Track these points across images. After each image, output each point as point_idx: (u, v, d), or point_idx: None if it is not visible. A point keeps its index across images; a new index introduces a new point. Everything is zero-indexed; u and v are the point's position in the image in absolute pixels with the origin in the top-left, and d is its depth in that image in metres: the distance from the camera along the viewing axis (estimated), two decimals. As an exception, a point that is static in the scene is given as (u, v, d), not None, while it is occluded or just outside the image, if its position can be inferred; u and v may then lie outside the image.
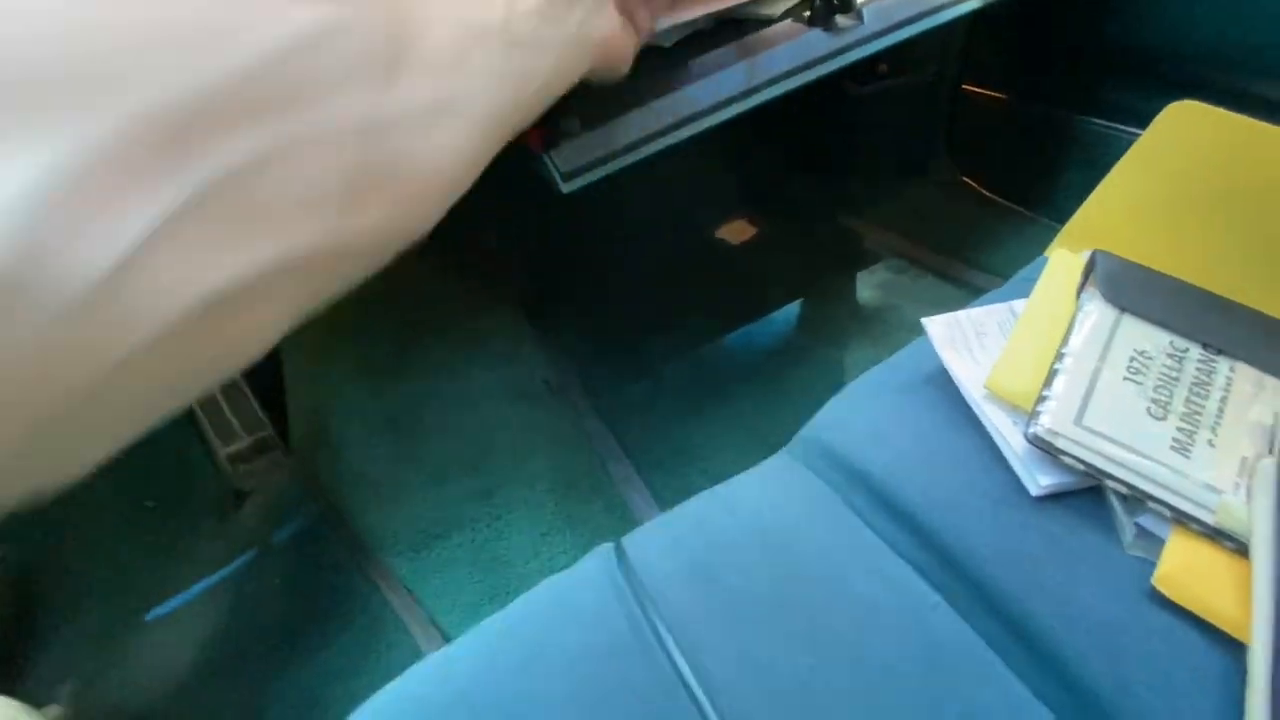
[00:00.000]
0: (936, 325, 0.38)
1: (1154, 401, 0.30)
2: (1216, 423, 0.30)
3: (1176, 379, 0.31)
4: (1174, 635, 0.27)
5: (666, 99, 0.51)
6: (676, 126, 0.51)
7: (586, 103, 0.49)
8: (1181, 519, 0.28)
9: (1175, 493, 0.28)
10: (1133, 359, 0.32)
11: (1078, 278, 0.38)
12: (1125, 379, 0.31)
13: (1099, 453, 0.29)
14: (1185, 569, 0.28)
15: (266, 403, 0.79)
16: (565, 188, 0.48)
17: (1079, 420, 0.30)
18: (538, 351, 0.81)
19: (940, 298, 0.82)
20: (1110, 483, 0.29)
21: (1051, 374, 0.31)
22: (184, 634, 0.68)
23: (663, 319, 0.85)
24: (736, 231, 1.02)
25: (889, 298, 0.80)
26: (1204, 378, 0.31)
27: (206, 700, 0.58)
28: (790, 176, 0.98)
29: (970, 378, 0.35)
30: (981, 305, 0.40)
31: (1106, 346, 0.32)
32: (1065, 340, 0.32)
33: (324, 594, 0.68)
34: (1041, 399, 0.31)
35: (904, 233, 0.87)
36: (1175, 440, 0.29)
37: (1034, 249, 0.44)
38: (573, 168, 0.48)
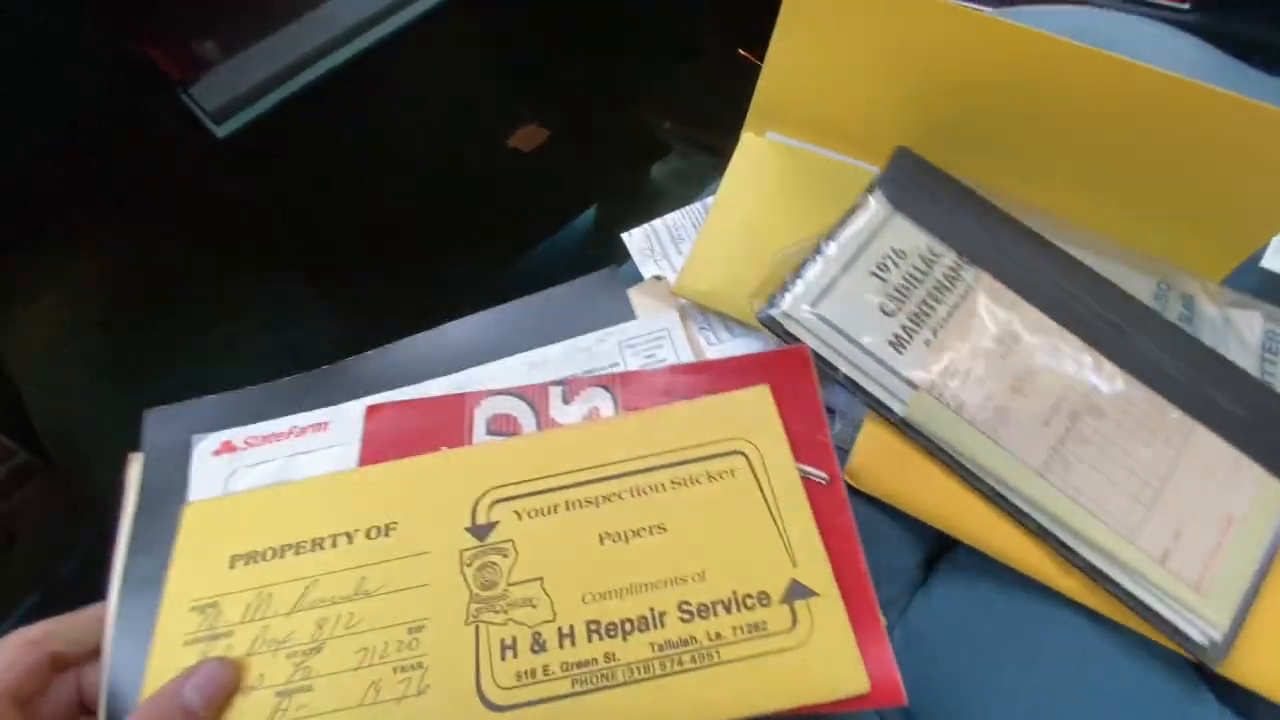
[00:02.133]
0: (634, 238, 0.36)
1: (889, 298, 0.32)
2: (942, 325, 0.32)
3: (920, 281, 0.32)
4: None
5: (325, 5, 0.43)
6: (348, 38, 0.44)
7: (223, 19, 0.41)
8: (876, 408, 0.30)
9: (876, 382, 0.30)
10: (886, 257, 0.32)
11: (766, 162, 0.36)
12: (872, 274, 0.32)
13: (820, 339, 0.30)
14: (873, 460, 0.30)
15: (7, 427, 0.69)
16: (220, 131, 0.40)
17: (814, 306, 0.31)
18: (320, 315, 0.74)
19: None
20: (824, 368, 0.30)
21: (805, 263, 0.32)
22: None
23: (462, 249, 0.80)
24: (529, 138, 0.96)
25: (682, 186, 0.78)
26: (946, 284, 0.32)
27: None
28: (568, 71, 0.92)
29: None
30: (680, 209, 0.38)
31: (867, 242, 0.32)
32: (837, 229, 0.32)
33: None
34: (786, 286, 0.31)
35: (688, 117, 0.84)
36: (895, 336, 0.31)
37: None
38: (223, 103, 0.41)
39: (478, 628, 0.23)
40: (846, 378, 0.30)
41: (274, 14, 0.43)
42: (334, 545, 0.26)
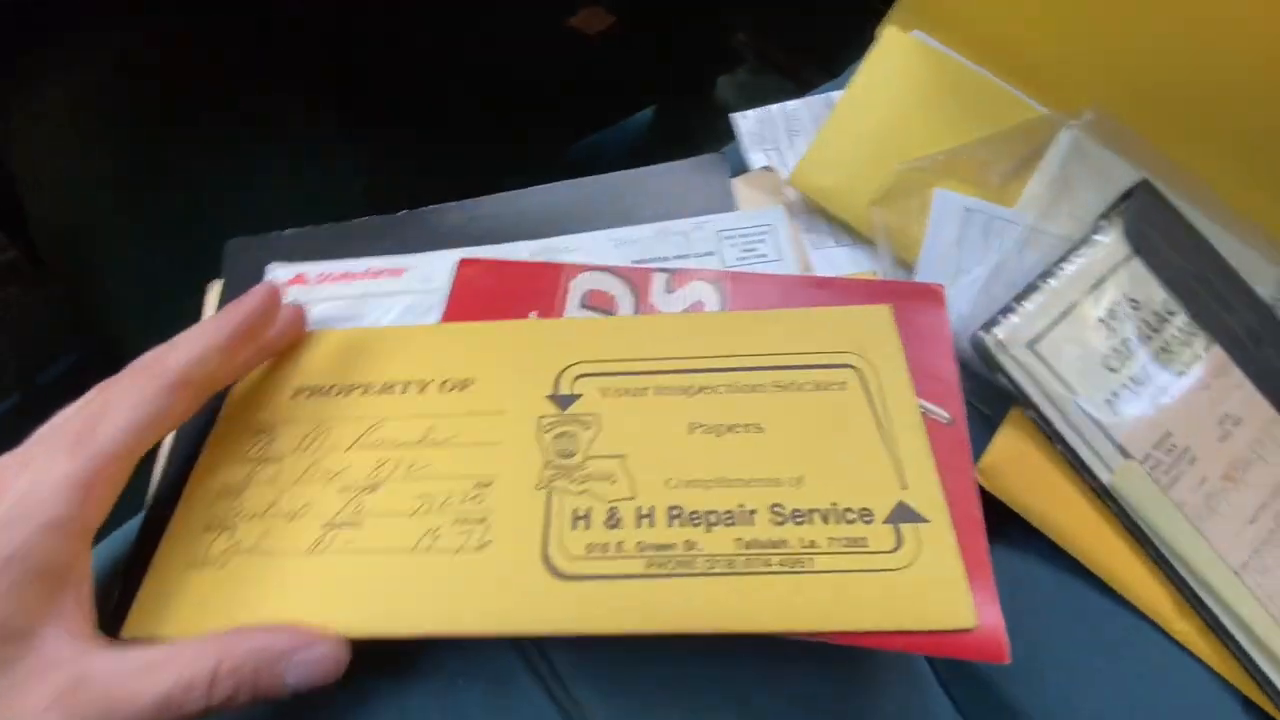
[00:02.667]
0: (747, 120, 0.34)
1: (1115, 352, 0.28)
2: (1164, 393, 0.28)
3: (1149, 339, 0.29)
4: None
5: None
6: None
7: None
8: (1077, 468, 0.27)
9: (1085, 442, 0.27)
10: (1118, 304, 0.29)
11: (909, 63, 0.33)
12: (1100, 320, 0.29)
13: (1034, 380, 0.28)
14: (1010, 464, 0.27)
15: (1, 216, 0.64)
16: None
17: (1033, 343, 0.28)
18: (349, 156, 0.69)
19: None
20: (1032, 413, 0.28)
21: (1030, 289, 0.29)
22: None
23: (506, 127, 0.75)
24: (592, 19, 0.89)
25: (748, 103, 0.73)
26: (1174, 348, 0.29)
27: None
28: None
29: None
30: (800, 99, 0.35)
31: (1100, 282, 0.29)
32: (1066, 258, 0.29)
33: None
34: (1008, 308, 0.29)
35: (765, 32, 0.79)
36: (1114, 394, 0.28)
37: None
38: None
39: (550, 494, 0.22)
40: (1052, 428, 0.27)
41: None
42: (404, 391, 0.25)
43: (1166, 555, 0.27)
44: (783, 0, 0.80)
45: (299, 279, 0.31)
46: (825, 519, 0.21)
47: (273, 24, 0.66)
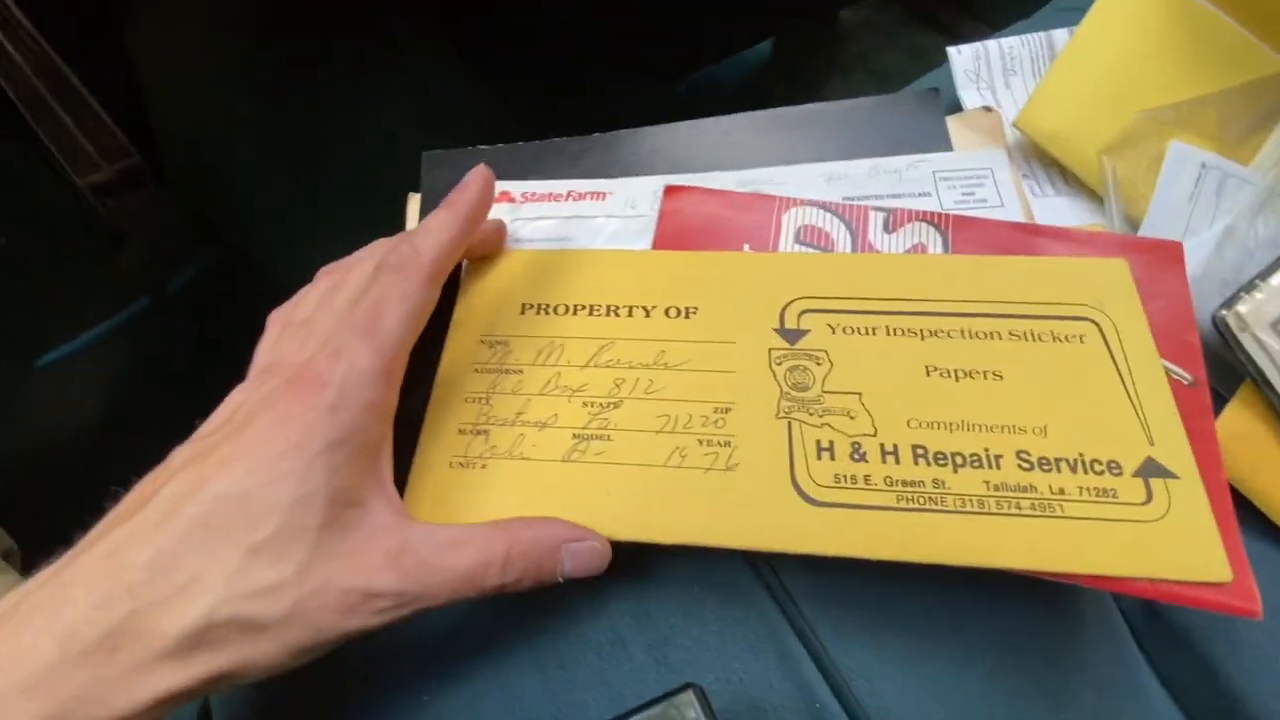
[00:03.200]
0: (962, 56, 0.32)
1: None
2: None
3: None
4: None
5: None
6: None
7: None
8: None
9: None
10: None
11: (1148, 3, 0.31)
12: None
13: (1276, 362, 0.26)
14: (1238, 442, 0.26)
15: (126, 124, 0.65)
16: None
17: (1277, 325, 0.26)
18: (462, 80, 0.68)
19: (924, 47, 0.73)
20: (1269, 394, 0.26)
21: (1276, 265, 0.27)
22: (81, 383, 0.63)
23: (616, 54, 0.72)
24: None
25: (868, 44, 0.70)
26: None
27: (107, 450, 0.54)
28: None
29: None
30: (1015, 35, 0.33)
31: None
32: None
33: (237, 342, 0.62)
34: (1251, 285, 0.27)
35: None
36: None
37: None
38: None
39: (790, 424, 0.23)
40: None
41: None
42: (630, 315, 0.25)
43: None
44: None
45: (505, 196, 0.30)
46: (1073, 468, 0.21)
47: None
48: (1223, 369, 0.28)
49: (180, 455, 0.19)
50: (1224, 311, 0.27)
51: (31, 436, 0.58)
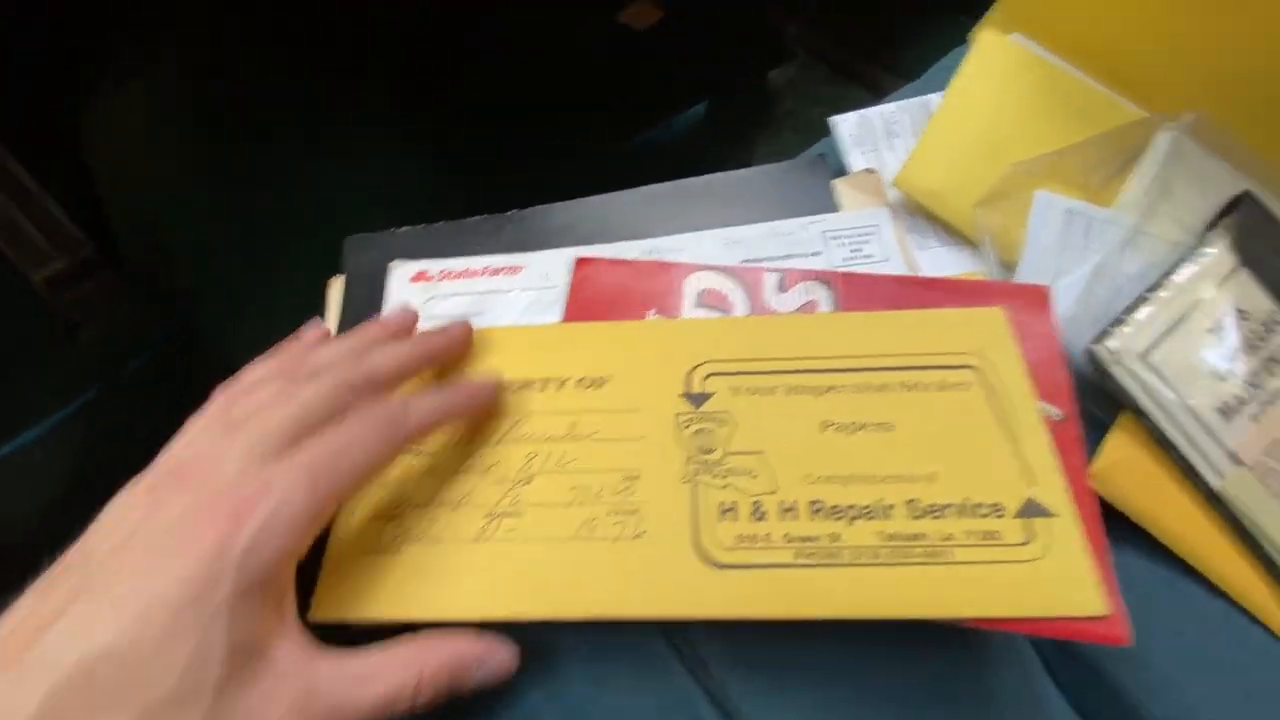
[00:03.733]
0: (846, 123, 0.34)
1: (1224, 360, 0.29)
2: (1272, 402, 0.29)
3: (1257, 349, 0.30)
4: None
5: None
6: None
7: None
8: (1189, 475, 0.28)
9: (1196, 448, 0.28)
10: (1227, 315, 0.30)
11: (1009, 66, 0.34)
12: (1209, 331, 0.30)
13: (1146, 389, 0.28)
14: (1121, 469, 0.28)
15: (80, 211, 0.66)
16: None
17: (1144, 355, 0.29)
18: (415, 153, 0.71)
19: (852, 101, 0.77)
20: (1143, 421, 0.28)
21: (1140, 300, 0.30)
22: (32, 472, 0.63)
23: (563, 123, 0.76)
24: (641, 15, 0.89)
25: (797, 101, 0.74)
26: None
27: (63, 538, 0.54)
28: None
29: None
30: (895, 101, 0.36)
31: (1209, 293, 0.30)
32: (1174, 270, 0.30)
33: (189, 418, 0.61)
34: (1119, 320, 0.29)
35: (817, 27, 0.79)
36: (1225, 404, 0.29)
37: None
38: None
39: (695, 487, 0.23)
40: (1164, 436, 0.28)
41: None
42: (543, 389, 0.26)
43: (1276, 560, 0.27)
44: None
45: (421, 275, 0.32)
46: (960, 513, 0.22)
47: (341, 28, 0.68)
48: (1105, 398, 0.29)
49: (68, 579, 0.18)
50: (1096, 346, 0.29)
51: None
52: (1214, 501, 0.28)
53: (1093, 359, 0.29)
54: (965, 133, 0.34)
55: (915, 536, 0.22)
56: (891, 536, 0.22)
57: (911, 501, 0.23)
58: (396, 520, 0.23)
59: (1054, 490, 0.23)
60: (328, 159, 0.66)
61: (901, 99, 0.36)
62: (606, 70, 0.78)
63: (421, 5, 0.72)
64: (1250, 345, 0.29)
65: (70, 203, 0.66)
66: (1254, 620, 0.28)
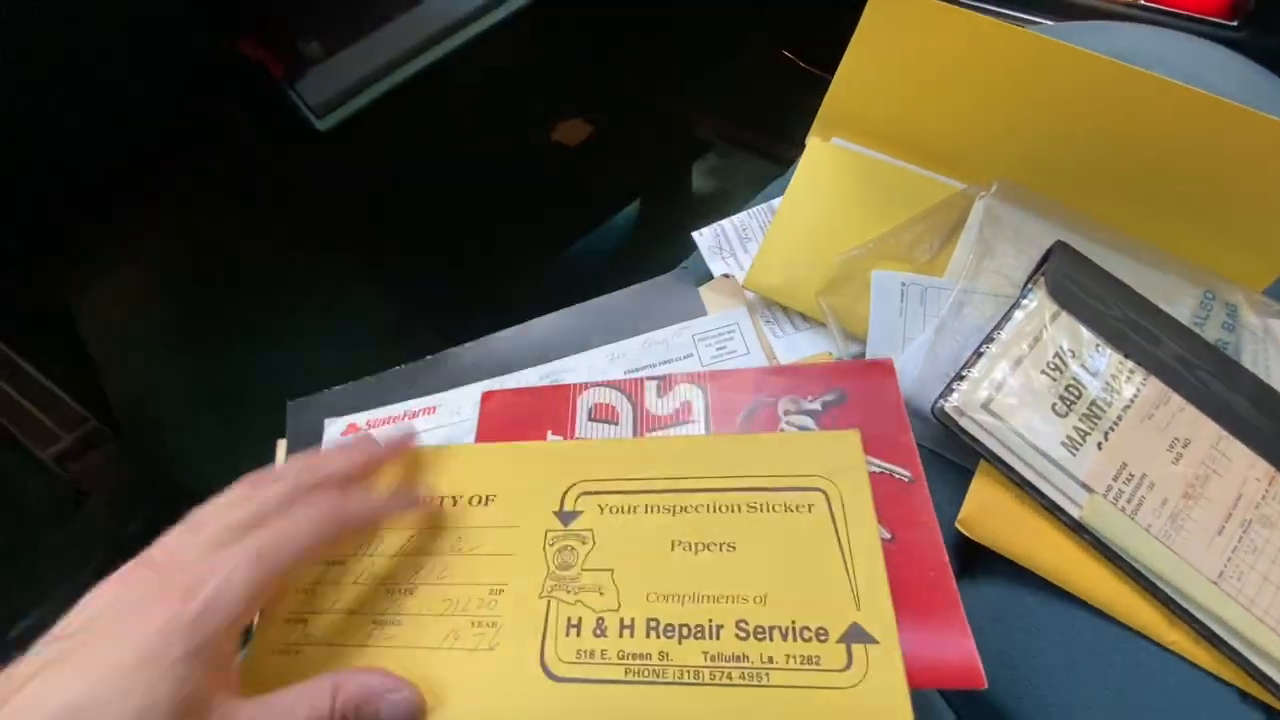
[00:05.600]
0: (704, 237, 0.39)
1: (1061, 399, 0.31)
2: (1113, 428, 0.31)
3: (1088, 383, 0.32)
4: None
5: (420, 7, 0.47)
6: (441, 37, 0.48)
7: (324, 20, 0.44)
8: (1050, 509, 0.30)
9: (1051, 484, 0.30)
10: (1056, 355, 0.32)
11: (833, 167, 0.39)
12: (1043, 372, 0.32)
13: (995, 437, 0.31)
14: (986, 512, 0.31)
15: (78, 393, 0.73)
16: (320, 124, 0.44)
17: (987, 404, 0.31)
18: (374, 296, 0.77)
19: (769, 179, 0.84)
20: (999, 466, 0.31)
21: (974, 356, 0.32)
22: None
23: (510, 239, 0.82)
24: (572, 132, 0.98)
25: (721, 184, 0.81)
26: (1115, 386, 0.32)
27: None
28: (614, 67, 0.94)
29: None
30: (745, 210, 0.41)
31: (1035, 339, 0.33)
32: (1001, 325, 0.33)
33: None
34: (959, 376, 0.32)
35: (728, 115, 0.86)
36: (1069, 438, 0.31)
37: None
38: (325, 99, 0.44)
39: (550, 602, 0.25)
40: (1019, 477, 0.30)
41: (372, 16, 0.46)
42: (440, 505, 0.28)
43: (1146, 575, 0.29)
44: (740, 83, 0.89)
45: (351, 427, 0.36)
46: (785, 635, 0.23)
47: (308, 201, 0.76)
48: (964, 448, 0.32)
49: (47, 650, 0.20)
50: (941, 403, 0.32)
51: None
52: (1079, 530, 0.29)
53: (940, 416, 0.31)
54: (801, 231, 0.38)
55: (738, 657, 0.23)
56: (715, 657, 0.23)
57: (741, 622, 0.23)
58: (303, 624, 0.25)
59: (880, 615, 0.23)
60: (291, 316, 0.73)
61: (749, 209, 0.42)
62: (543, 188, 0.86)
63: (390, 170, 0.80)
64: (1083, 380, 0.32)
65: (71, 384, 0.73)
66: (1140, 636, 0.29)
